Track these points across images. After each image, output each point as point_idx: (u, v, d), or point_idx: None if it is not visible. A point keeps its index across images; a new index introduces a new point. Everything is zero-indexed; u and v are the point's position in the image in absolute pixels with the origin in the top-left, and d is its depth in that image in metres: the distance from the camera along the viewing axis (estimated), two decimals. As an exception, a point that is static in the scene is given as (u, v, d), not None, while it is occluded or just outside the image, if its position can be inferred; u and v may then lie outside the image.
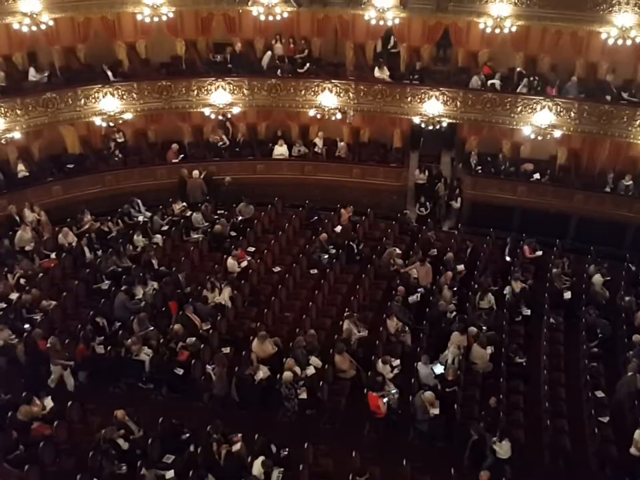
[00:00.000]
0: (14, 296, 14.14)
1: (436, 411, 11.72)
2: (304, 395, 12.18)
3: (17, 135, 16.72)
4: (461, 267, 15.65)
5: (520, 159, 19.32)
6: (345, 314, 13.97)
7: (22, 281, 14.63)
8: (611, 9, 16.48)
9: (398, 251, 16.23)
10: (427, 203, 19.08)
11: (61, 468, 10.93)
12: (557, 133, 17.38)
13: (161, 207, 17.81)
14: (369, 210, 18.42)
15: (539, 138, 17.42)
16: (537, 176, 18.75)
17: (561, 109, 17.49)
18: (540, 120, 17.24)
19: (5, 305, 13.98)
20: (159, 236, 16.68)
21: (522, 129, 17.79)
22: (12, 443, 10.91)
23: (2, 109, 16.69)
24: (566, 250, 16.93)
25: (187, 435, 11.39)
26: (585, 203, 18.20)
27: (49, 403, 11.75)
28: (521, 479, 11.14)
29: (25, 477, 10.50)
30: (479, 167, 19.25)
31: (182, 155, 19.47)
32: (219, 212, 17.78)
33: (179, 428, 11.49)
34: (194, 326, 13.54)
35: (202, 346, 13.07)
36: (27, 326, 13.38)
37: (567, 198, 18.34)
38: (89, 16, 17.99)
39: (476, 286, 15.12)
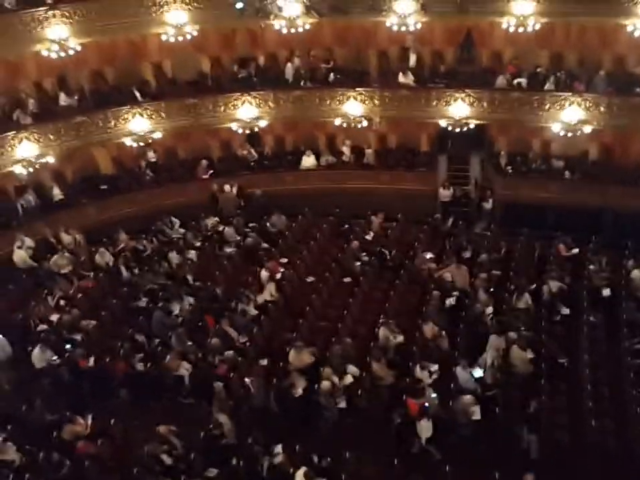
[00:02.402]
0: (54, 317, 14.44)
1: (477, 416, 11.59)
2: (343, 404, 12.18)
3: (50, 159, 17.03)
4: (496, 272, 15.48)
5: (550, 157, 19.09)
6: (380, 321, 13.96)
7: (62, 302, 14.94)
8: (635, 0, 16.25)
9: (430, 255, 16.16)
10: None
11: (107, 485, 11.09)
12: (587, 129, 17.11)
13: (193, 222, 18.05)
14: (399, 215, 18.38)
15: (569, 135, 17.18)
16: (568, 173, 18.51)
17: (590, 104, 17.25)
18: (569, 116, 17.00)
19: (46, 327, 14.24)
20: (193, 252, 16.88)
21: (551, 126, 17.57)
22: (58, 462, 11.11)
23: (35, 134, 17.05)
24: (602, 246, 16.63)
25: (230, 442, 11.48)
26: (620, 197, 17.84)
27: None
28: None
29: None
30: (509, 167, 19.07)
31: (211, 171, 19.70)
32: (250, 225, 17.92)
33: (220, 437, 11.57)
34: (231, 339, 13.65)
35: (239, 359, 13.17)
36: (68, 346, 13.63)
37: (601, 193, 18.02)
38: (115, 39, 18.34)
39: (512, 287, 14.97)
